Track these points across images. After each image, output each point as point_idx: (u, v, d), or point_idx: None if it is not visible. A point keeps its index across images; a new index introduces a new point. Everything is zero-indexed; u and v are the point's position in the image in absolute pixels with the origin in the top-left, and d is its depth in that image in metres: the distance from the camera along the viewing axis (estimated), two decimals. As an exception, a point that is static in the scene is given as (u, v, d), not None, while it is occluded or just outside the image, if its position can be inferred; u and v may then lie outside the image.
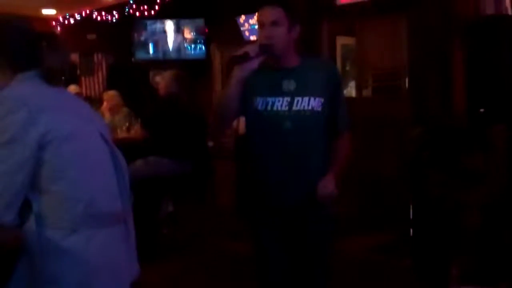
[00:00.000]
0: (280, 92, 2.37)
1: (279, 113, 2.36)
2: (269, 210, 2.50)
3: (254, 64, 2.29)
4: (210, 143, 6.59)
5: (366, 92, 5.82)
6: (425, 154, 4.37)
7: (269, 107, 2.37)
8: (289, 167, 2.39)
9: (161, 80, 5.12)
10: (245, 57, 2.27)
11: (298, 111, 2.36)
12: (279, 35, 2.33)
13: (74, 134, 1.74)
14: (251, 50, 2.29)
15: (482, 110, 4.60)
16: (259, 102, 2.38)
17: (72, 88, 6.78)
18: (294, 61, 2.43)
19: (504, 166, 4.12)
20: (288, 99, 2.36)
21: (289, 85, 2.38)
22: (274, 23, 2.32)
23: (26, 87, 1.74)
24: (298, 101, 2.36)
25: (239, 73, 2.30)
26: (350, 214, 5.19)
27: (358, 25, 5.83)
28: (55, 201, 1.70)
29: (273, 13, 2.33)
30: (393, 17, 5.52)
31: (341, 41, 6.79)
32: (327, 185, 2.32)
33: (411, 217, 4.50)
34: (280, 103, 2.36)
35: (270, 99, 2.37)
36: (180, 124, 4.86)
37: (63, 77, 1.88)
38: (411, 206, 4.50)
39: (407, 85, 5.44)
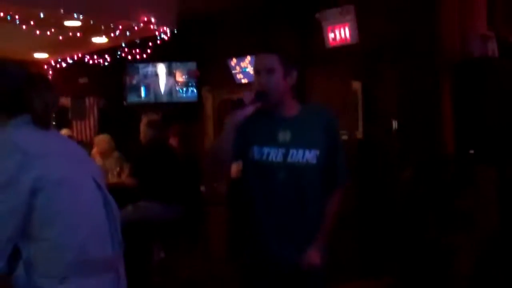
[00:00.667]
0: (275, 143, 2.37)
1: (274, 164, 2.35)
2: (261, 259, 2.47)
3: (248, 110, 2.32)
4: (203, 188, 6.58)
5: (357, 135, 5.86)
6: (417, 196, 4.37)
7: (264, 157, 2.36)
8: (283, 218, 2.38)
9: (141, 128, 5.20)
10: (240, 104, 2.31)
11: (293, 163, 2.35)
12: (275, 82, 2.34)
13: (66, 180, 1.73)
14: (246, 97, 2.33)
15: (471, 151, 4.64)
16: (255, 151, 2.38)
17: (64, 132, 6.78)
18: (292, 110, 2.42)
19: (494, 208, 4.12)
20: (283, 150, 2.36)
21: (285, 136, 2.37)
22: (270, 70, 2.34)
23: (20, 132, 1.74)
24: (293, 153, 2.35)
25: (233, 119, 2.32)
26: (346, 258, 5.14)
27: (347, 68, 5.90)
28: (45, 249, 1.68)
29: (268, 60, 2.36)
30: (381, 59, 5.59)
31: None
32: (312, 258, 2.36)
33: (404, 260, 4.47)
34: (275, 154, 2.36)
35: (265, 149, 2.37)
36: (165, 168, 4.88)
37: (52, 119, 1.87)
38: (405, 249, 4.48)
39: (395, 126, 5.48)
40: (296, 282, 2.44)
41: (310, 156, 2.36)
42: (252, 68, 7.23)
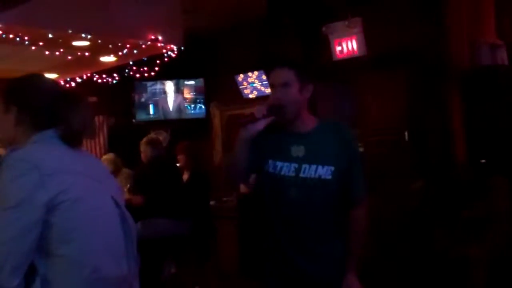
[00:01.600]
0: (288, 158, 2.37)
1: (286, 178, 2.36)
2: (276, 274, 2.46)
3: (260, 125, 2.32)
4: (213, 202, 6.57)
5: (367, 147, 5.83)
6: (427, 207, 4.33)
7: (277, 171, 2.37)
8: (296, 231, 2.38)
9: (140, 148, 5.27)
10: (251, 119, 2.30)
11: (305, 178, 2.34)
12: (290, 97, 2.34)
13: (84, 197, 1.73)
14: (258, 111, 2.30)
15: (483, 161, 4.60)
16: (270, 165, 2.39)
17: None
18: (308, 125, 2.41)
19: (506, 218, 4.07)
20: (296, 165, 2.36)
21: (298, 151, 2.37)
22: (285, 85, 2.34)
23: (41, 149, 1.75)
24: (305, 168, 2.35)
25: (244, 134, 2.33)
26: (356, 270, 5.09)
27: (356, 80, 5.90)
28: (62, 265, 1.68)
29: (283, 74, 2.35)
30: (390, 70, 5.59)
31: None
32: (352, 286, 2.35)
33: (417, 272, 4.42)
34: (288, 169, 2.36)
35: (279, 163, 2.37)
36: (170, 185, 4.91)
37: (83, 137, 1.88)
38: (416, 261, 4.43)
39: (407, 138, 5.45)
40: None
41: (323, 171, 2.34)
42: (259, 83, 7.30)
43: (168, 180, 4.99)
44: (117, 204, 1.87)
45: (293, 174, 2.35)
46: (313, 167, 2.34)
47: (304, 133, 2.40)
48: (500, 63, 5.26)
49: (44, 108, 1.81)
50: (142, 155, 5.26)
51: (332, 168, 2.34)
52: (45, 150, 1.75)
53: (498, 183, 4.21)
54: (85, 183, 1.77)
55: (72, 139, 1.81)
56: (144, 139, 5.35)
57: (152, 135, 5.54)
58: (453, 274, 4.08)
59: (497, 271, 3.94)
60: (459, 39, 5.17)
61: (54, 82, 1.92)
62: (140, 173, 5.20)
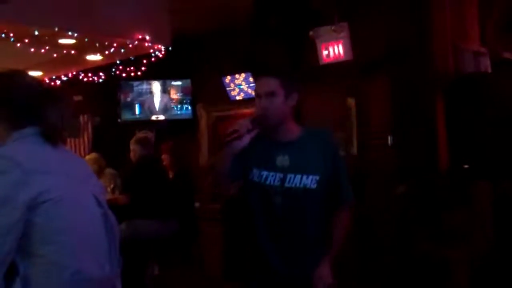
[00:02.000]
0: (273, 167, 2.37)
1: (272, 188, 2.37)
2: (260, 279, 2.48)
3: (245, 140, 2.30)
4: (197, 204, 6.56)
5: (351, 150, 5.86)
6: (411, 210, 4.37)
7: (262, 180, 2.38)
8: (282, 238, 2.40)
9: (130, 146, 5.24)
10: (236, 135, 2.28)
11: (290, 188, 2.36)
12: (275, 106, 2.34)
13: (66, 197, 1.71)
14: (241, 127, 2.29)
15: (466, 166, 4.65)
16: (255, 174, 2.40)
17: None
18: (292, 134, 2.42)
19: (489, 222, 4.12)
20: (281, 175, 2.37)
21: (283, 161, 2.38)
22: (271, 94, 2.34)
23: (22, 147, 1.73)
24: (290, 178, 2.36)
25: (229, 150, 2.32)
26: (341, 274, 5.11)
27: (341, 84, 5.93)
28: (43, 266, 1.67)
29: (269, 84, 2.36)
30: (375, 75, 5.63)
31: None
32: (323, 277, 2.30)
33: (399, 274, 4.45)
34: (273, 178, 2.37)
35: (264, 173, 2.38)
36: (158, 185, 4.89)
37: (64, 135, 1.87)
38: (398, 263, 4.46)
39: (390, 142, 5.49)
40: None
41: (308, 181, 2.36)
42: (246, 85, 7.31)
43: (155, 180, 4.97)
44: (99, 203, 1.86)
45: (278, 184, 2.36)
46: (298, 176, 2.35)
47: (289, 142, 2.40)
48: (484, 71, 5.32)
49: (23, 105, 1.78)
50: (131, 154, 5.23)
51: (317, 177, 2.36)
52: (26, 148, 1.73)
53: (480, 188, 4.26)
54: (68, 182, 1.76)
55: (52, 137, 1.79)
56: (134, 138, 5.31)
57: (142, 134, 5.49)
58: (435, 276, 4.12)
59: (478, 274, 3.99)
60: (443, 46, 5.22)
61: (33, 78, 1.88)
62: (128, 172, 5.18)
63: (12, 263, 1.66)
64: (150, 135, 7.43)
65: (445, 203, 4.37)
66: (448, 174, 4.89)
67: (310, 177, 2.35)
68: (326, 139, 2.47)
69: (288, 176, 2.36)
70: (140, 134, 5.45)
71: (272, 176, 2.36)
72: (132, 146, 5.22)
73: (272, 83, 2.35)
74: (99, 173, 6.42)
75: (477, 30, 5.45)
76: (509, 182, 4.45)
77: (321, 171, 2.36)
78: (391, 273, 4.75)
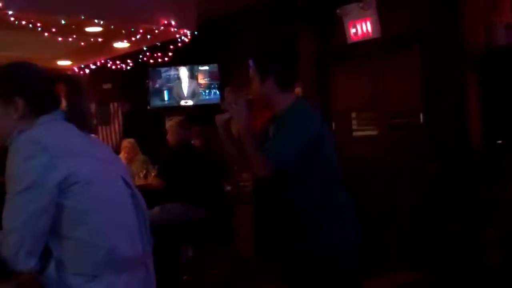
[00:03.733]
0: (268, 138, 2.51)
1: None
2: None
3: (226, 116, 2.44)
4: (229, 187, 6.59)
5: (383, 130, 5.80)
6: (443, 189, 4.30)
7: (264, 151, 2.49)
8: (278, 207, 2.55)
9: (168, 129, 5.18)
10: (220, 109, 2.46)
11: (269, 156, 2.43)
12: (254, 89, 2.48)
13: (95, 178, 1.73)
14: (224, 103, 2.44)
15: (499, 141, 4.55)
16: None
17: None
18: (282, 108, 2.49)
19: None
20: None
21: (271, 131, 2.53)
22: (251, 78, 2.48)
23: (48, 131, 1.74)
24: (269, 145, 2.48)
25: (216, 123, 2.52)
26: (377, 251, 5.08)
27: (371, 63, 5.85)
28: (76, 247, 1.69)
29: (250, 69, 2.49)
30: (405, 52, 5.54)
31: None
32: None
33: (433, 254, 4.41)
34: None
35: (266, 144, 2.48)
36: (194, 170, 4.88)
37: (88, 118, 1.90)
38: (432, 243, 4.41)
39: (422, 120, 5.41)
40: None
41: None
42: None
43: (193, 165, 4.94)
44: (127, 184, 1.87)
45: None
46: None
47: (277, 116, 2.52)
48: (517, 43, 5.19)
49: (42, 92, 1.80)
50: (169, 136, 5.14)
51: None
52: (52, 132, 1.75)
53: (514, 163, 4.18)
54: (95, 164, 1.78)
55: (78, 119, 1.81)
56: (175, 120, 5.22)
57: (182, 117, 5.42)
58: (468, 255, 4.06)
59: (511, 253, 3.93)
60: (474, 19, 5.10)
61: (40, 66, 1.88)
62: (167, 157, 5.12)
63: (46, 245, 1.69)
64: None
65: (477, 180, 4.29)
66: (481, 151, 4.80)
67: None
68: (289, 111, 2.48)
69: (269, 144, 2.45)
70: (180, 117, 5.38)
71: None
72: (173, 128, 5.12)
73: (251, 68, 2.47)
74: (135, 157, 6.49)
75: (508, 2, 5.31)
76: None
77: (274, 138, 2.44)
78: (424, 254, 4.70)
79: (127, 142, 6.67)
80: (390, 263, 5.26)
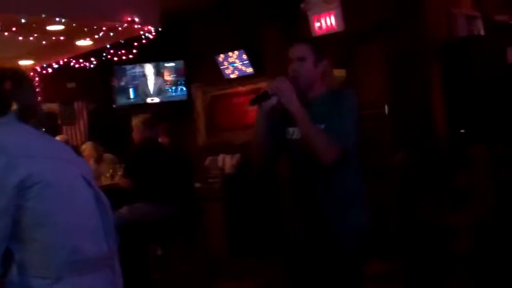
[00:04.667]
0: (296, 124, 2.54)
1: (296, 141, 2.55)
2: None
3: (273, 100, 2.51)
4: (198, 185, 6.56)
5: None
6: (410, 178, 4.37)
7: (290, 136, 2.59)
8: (305, 191, 2.59)
9: (133, 127, 5.12)
10: (265, 96, 2.50)
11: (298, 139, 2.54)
12: (305, 69, 2.54)
13: (55, 179, 1.70)
14: (270, 87, 2.49)
15: (462, 130, 4.64)
16: (288, 131, 2.60)
17: (60, 138, 6.75)
18: (317, 93, 2.58)
19: (489, 185, 4.12)
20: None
21: (310, 114, 2.50)
22: (301, 58, 2.55)
23: (5, 132, 1.71)
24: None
25: (260, 111, 2.56)
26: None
27: (335, 56, 5.88)
28: (38, 250, 1.66)
29: (300, 49, 2.57)
30: (369, 45, 5.59)
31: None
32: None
33: (403, 242, 4.47)
34: (296, 132, 2.56)
35: (291, 129, 2.58)
36: (161, 168, 4.84)
37: (36, 113, 1.86)
38: (400, 232, 4.48)
39: (387, 111, 5.47)
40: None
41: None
42: (240, 62, 7.28)
43: (160, 163, 4.90)
44: (89, 184, 1.84)
45: (298, 137, 2.52)
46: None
47: (312, 99, 2.57)
48: (477, 34, 5.29)
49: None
50: (134, 135, 5.08)
51: (322, 126, 2.46)
52: (10, 133, 1.72)
53: (478, 152, 4.26)
54: (55, 164, 1.75)
55: (27, 116, 1.78)
56: (140, 119, 5.16)
57: (147, 115, 5.35)
58: (437, 244, 4.13)
59: (481, 238, 4.00)
60: (435, 11, 5.18)
61: None
62: (132, 156, 5.07)
63: (7, 248, 1.65)
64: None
65: (443, 169, 4.36)
66: (446, 140, 4.88)
67: (317, 125, 2.45)
68: (339, 95, 2.60)
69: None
70: (145, 115, 5.32)
71: (296, 130, 2.54)
72: (138, 126, 5.06)
73: (303, 48, 2.56)
74: (99, 160, 6.41)
75: (469, -7, 5.41)
76: (504, 144, 4.45)
77: (326, 120, 2.46)
78: (393, 242, 4.76)
79: (83, 147, 6.55)
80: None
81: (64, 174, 1.75)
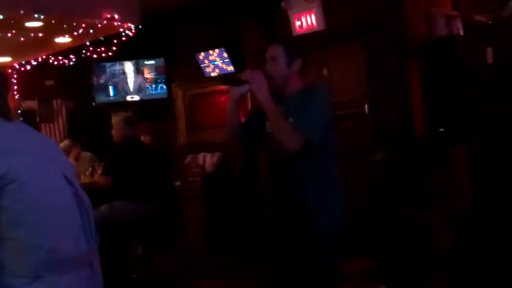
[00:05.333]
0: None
1: (271, 135, 2.69)
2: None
3: (244, 89, 2.71)
4: (178, 183, 6.54)
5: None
6: (389, 177, 4.39)
7: (268, 129, 2.72)
8: (283, 180, 2.74)
9: (113, 125, 5.08)
10: (238, 81, 2.70)
11: None
12: (277, 69, 2.69)
13: (33, 177, 1.67)
14: (244, 75, 2.68)
15: (441, 129, 4.68)
16: (267, 125, 2.73)
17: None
18: (293, 89, 2.72)
19: (467, 183, 4.17)
20: None
21: (284, 109, 2.67)
22: (273, 59, 2.71)
23: None
24: None
25: (231, 95, 2.77)
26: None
27: (316, 55, 5.90)
28: (15, 249, 1.63)
29: (272, 50, 2.73)
30: (349, 44, 5.61)
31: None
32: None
33: (382, 241, 4.50)
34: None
35: (268, 123, 2.71)
36: (140, 165, 4.81)
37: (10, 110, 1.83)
38: (380, 230, 4.50)
39: (367, 110, 5.50)
40: None
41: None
42: (220, 61, 7.28)
43: (140, 161, 4.86)
44: (70, 182, 1.82)
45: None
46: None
47: (288, 95, 2.72)
48: (456, 34, 5.34)
49: None
50: (114, 132, 5.04)
51: (293, 120, 2.61)
52: None
53: (456, 151, 4.30)
54: (34, 162, 1.72)
55: (9, 114, 1.75)
56: (120, 117, 5.11)
57: (128, 113, 5.31)
58: (416, 242, 4.16)
59: (459, 237, 4.04)
60: (415, 11, 5.21)
61: None
62: (113, 154, 5.02)
63: None
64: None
65: (423, 168, 4.40)
66: (425, 139, 4.92)
67: (289, 119, 2.61)
68: (310, 91, 2.71)
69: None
70: (126, 113, 5.27)
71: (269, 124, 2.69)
72: (118, 124, 5.02)
73: (275, 50, 2.71)
74: (77, 156, 6.36)
75: (448, -7, 5.46)
76: (483, 142, 4.51)
77: (294, 115, 2.61)
78: (372, 241, 4.79)
79: (62, 145, 6.49)
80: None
81: (43, 172, 1.73)
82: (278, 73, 2.68)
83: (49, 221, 1.68)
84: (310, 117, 2.57)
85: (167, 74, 7.62)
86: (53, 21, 5.63)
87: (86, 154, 6.44)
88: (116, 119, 5.09)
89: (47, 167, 1.77)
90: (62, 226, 1.72)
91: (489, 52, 5.08)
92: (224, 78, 2.68)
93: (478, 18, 5.55)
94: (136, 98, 7.64)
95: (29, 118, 7.86)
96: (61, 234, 1.71)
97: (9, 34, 5.86)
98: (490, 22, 5.47)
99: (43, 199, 1.69)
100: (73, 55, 7.02)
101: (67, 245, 1.72)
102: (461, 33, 5.38)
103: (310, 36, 5.71)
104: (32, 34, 6.03)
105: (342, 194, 2.75)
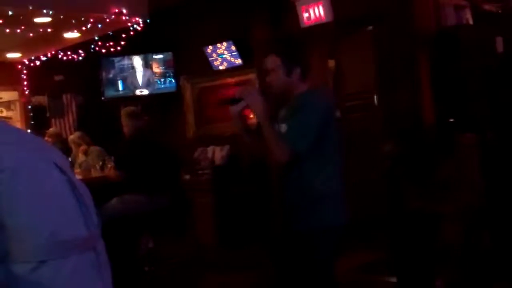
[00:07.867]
0: (280, 119, 2.84)
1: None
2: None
3: (241, 105, 2.74)
4: (187, 176, 6.55)
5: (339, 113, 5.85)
6: (399, 168, 4.39)
7: (278, 130, 2.80)
8: (282, 187, 2.87)
9: (122, 119, 5.10)
10: (233, 100, 2.77)
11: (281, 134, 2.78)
12: (276, 79, 2.77)
13: (24, 166, 1.67)
14: (237, 93, 2.75)
15: (451, 120, 4.66)
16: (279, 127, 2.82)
17: (51, 130, 6.74)
18: (297, 93, 2.78)
19: (477, 173, 4.15)
20: (282, 124, 2.81)
21: (282, 113, 2.85)
22: (272, 70, 2.78)
23: None
24: (281, 126, 2.79)
25: (231, 113, 2.80)
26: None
27: (324, 46, 5.88)
28: (16, 235, 1.64)
29: (270, 61, 2.80)
30: (358, 35, 5.59)
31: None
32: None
33: (391, 233, 4.49)
34: (283, 129, 2.79)
35: (276, 125, 2.80)
36: (151, 160, 4.83)
37: None
38: (390, 222, 4.50)
39: (376, 101, 5.49)
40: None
41: (283, 128, 2.77)
42: (228, 54, 7.28)
43: (150, 155, 4.88)
44: (62, 171, 1.82)
45: (283, 131, 2.77)
46: (282, 125, 2.78)
47: (292, 98, 2.80)
48: (465, 23, 5.31)
49: None
50: (125, 130, 5.05)
51: (284, 125, 2.75)
52: None
53: (466, 140, 4.28)
54: (22, 152, 1.73)
55: None
56: (124, 112, 5.14)
57: (131, 107, 5.33)
58: (427, 233, 4.16)
59: (469, 227, 4.04)
60: (423, 0, 5.19)
61: None
62: (123, 148, 5.03)
63: None
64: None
65: (432, 158, 4.39)
66: (435, 129, 4.91)
67: (283, 125, 2.76)
68: (304, 96, 2.77)
69: (281, 125, 2.79)
70: (129, 107, 5.30)
71: (278, 126, 2.79)
72: (125, 121, 5.05)
73: (273, 61, 2.77)
74: (87, 149, 6.38)
75: (457, -17, 5.42)
76: (492, 132, 4.49)
77: (288, 122, 2.73)
78: (383, 232, 4.79)
79: (72, 137, 6.53)
80: (347, 244, 5.34)
81: (32, 161, 1.73)
82: (278, 83, 2.77)
83: (45, 208, 1.69)
84: (297, 126, 2.67)
85: (175, 68, 7.62)
86: (61, 17, 5.66)
87: (95, 148, 6.46)
88: (122, 116, 5.12)
89: (36, 157, 1.77)
90: (59, 212, 1.73)
91: (499, 41, 5.04)
92: (221, 99, 2.77)
93: (487, 7, 5.52)
94: (145, 92, 7.66)
95: (39, 113, 7.91)
96: (59, 218, 1.72)
97: (18, 30, 5.89)
98: (499, 11, 5.44)
99: (36, 187, 1.69)
100: (82, 50, 7.05)
101: (66, 228, 1.72)
102: (471, 22, 5.35)
103: (318, 28, 5.70)
104: (41, 30, 6.06)
105: (339, 196, 2.79)
